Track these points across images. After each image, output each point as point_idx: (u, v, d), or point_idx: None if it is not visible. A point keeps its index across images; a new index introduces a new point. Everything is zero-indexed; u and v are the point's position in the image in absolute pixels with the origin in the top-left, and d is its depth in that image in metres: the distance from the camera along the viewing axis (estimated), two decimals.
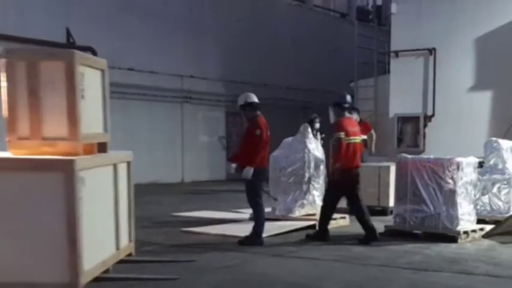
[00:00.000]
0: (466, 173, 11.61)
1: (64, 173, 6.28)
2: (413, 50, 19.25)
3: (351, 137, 10.85)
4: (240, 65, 23.96)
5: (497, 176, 13.38)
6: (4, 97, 6.46)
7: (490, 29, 17.97)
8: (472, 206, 11.80)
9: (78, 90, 6.63)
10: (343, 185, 10.89)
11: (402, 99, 18.99)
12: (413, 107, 18.96)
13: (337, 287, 8.05)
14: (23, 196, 6.32)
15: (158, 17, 21.68)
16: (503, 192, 13.32)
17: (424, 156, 13.27)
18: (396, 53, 19.72)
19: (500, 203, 13.29)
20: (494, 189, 13.25)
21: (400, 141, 19.29)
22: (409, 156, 11.85)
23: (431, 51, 18.97)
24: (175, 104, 22.08)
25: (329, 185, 11.32)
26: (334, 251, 10.06)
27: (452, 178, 11.37)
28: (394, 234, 11.39)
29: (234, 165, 10.72)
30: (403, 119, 19.20)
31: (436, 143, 18.05)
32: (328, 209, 11.15)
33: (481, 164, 13.12)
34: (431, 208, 11.37)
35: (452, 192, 11.35)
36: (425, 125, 19.02)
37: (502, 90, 17.55)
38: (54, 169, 6.32)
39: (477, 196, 12.50)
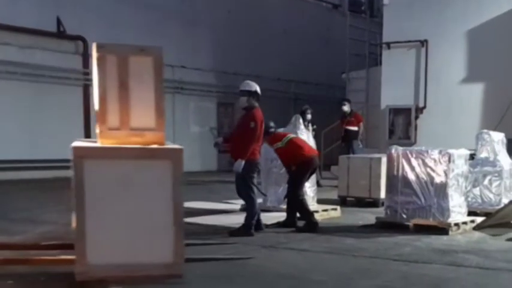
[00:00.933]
0: (457, 165, 11.64)
1: (172, 161, 6.72)
2: (405, 42, 19.27)
3: None
4: (231, 55, 23.95)
5: (488, 168, 13.43)
6: (96, 90, 6.70)
7: (481, 22, 18.00)
8: (463, 198, 11.84)
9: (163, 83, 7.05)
10: (306, 172, 11.26)
11: (394, 91, 19.02)
12: (404, 98, 18.99)
13: (328, 278, 8.06)
14: (136, 182, 6.67)
15: (149, 6, 21.65)
16: (494, 184, 13.37)
17: (416, 148, 13.30)
18: (388, 45, 19.73)
19: (491, 195, 13.34)
20: (486, 182, 13.30)
21: (391, 132, 19.32)
22: (401, 148, 11.87)
23: (423, 43, 19.00)
24: (166, 95, 21.98)
25: (293, 175, 11.36)
26: (324, 242, 10.09)
27: (443, 170, 11.40)
28: (385, 226, 11.42)
29: (220, 139, 10.89)
30: (395, 111, 19.24)
31: (427, 135, 18.10)
32: (301, 197, 11.30)
33: (472, 156, 13.16)
34: (423, 200, 11.41)
35: (444, 184, 11.39)
36: (416, 117, 19.06)
37: (494, 82, 17.59)
38: (164, 157, 6.77)
39: (468, 188, 12.54)
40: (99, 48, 6.71)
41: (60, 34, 19.34)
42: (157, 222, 6.76)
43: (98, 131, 6.84)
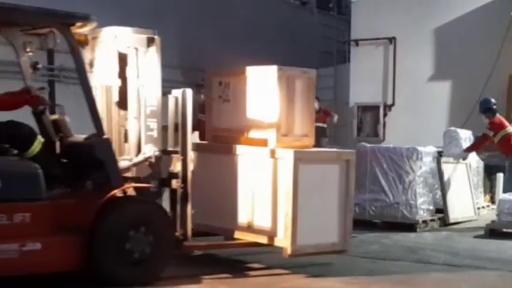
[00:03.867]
0: (425, 162, 11.79)
1: (346, 162, 8.46)
2: (373, 39, 19.35)
3: None
4: (197, 52, 23.90)
5: None
6: (276, 104, 8.24)
7: (449, 19, 18.15)
8: (431, 196, 11.97)
9: None
10: None
11: (362, 89, 19.12)
12: (373, 96, 19.08)
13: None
14: (322, 179, 8.29)
15: (115, 2, 21.53)
16: None
17: (384, 145, 13.41)
18: (356, 42, 19.81)
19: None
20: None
21: (359, 130, 19.42)
22: (369, 145, 11.98)
23: (391, 40, 19.10)
24: None
25: None
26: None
27: (411, 167, 11.52)
28: (354, 224, 11.47)
29: None
30: (363, 108, 19.32)
31: (395, 132, 18.21)
32: None
33: (440, 154, 13.30)
34: (391, 197, 11.55)
35: (411, 182, 11.51)
36: (385, 114, 19.17)
37: (461, 80, 17.76)
38: (344, 159, 8.50)
39: (436, 185, 12.67)
40: (279, 70, 8.30)
41: None
42: (337, 210, 8.42)
43: (272, 136, 8.30)
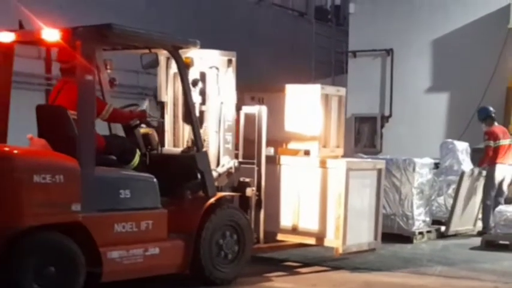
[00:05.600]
0: (422, 173, 11.85)
1: (378, 171, 9.85)
2: (370, 51, 19.43)
3: None
4: None
5: (452, 177, 13.62)
6: (319, 119, 9.57)
7: (447, 31, 18.23)
8: (427, 207, 12.03)
9: None
10: None
11: (359, 100, 19.17)
12: (370, 107, 19.14)
13: (290, 286, 8.20)
14: (362, 186, 9.57)
15: (116, 9, 21.56)
16: None
17: (381, 156, 13.48)
18: (354, 53, 19.88)
19: None
20: (450, 190, 13.49)
21: (357, 141, 19.47)
22: (366, 156, 12.04)
23: (389, 51, 19.18)
24: (132, 101, 21.93)
25: None
26: (284, 252, 10.06)
27: (408, 179, 11.58)
28: None
29: None
30: (361, 119, 19.37)
31: (393, 144, 18.26)
32: None
33: (436, 165, 13.36)
34: (387, 209, 11.59)
35: (408, 193, 11.57)
36: (382, 126, 19.23)
37: (459, 91, 17.82)
38: (377, 168, 9.87)
39: (433, 197, 12.73)
40: (322, 89, 9.65)
41: None
42: (372, 213, 9.72)
43: (315, 147, 9.59)
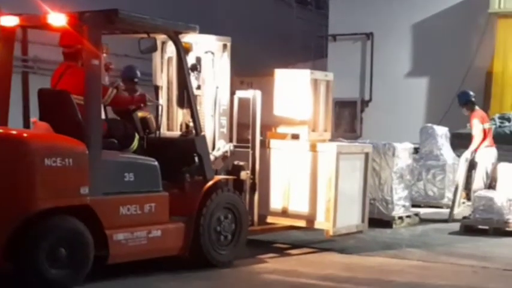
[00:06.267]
0: (402, 158, 11.86)
1: (365, 154, 10.07)
2: (350, 34, 19.44)
3: None
4: None
5: (432, 162, 13.72)
6: (308, 104, 9.78)
7: (427, 15, 18.29)
8: (407, 192, 12.05)
9: None
10: None
11: (339, 84, 19.13)
12: (350, 91, 19.18)
13: (255, 272, 8.23)
14: (351, 169, 9.70)
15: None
16: (438, 178, 13.68)
17: (360, 141, 13.49)
18: (334, 37, 19.90)
19: (435, 189, 13.65)
20: (429, 176, 13.60)
21: (337, 125, 19.48)
22: (346, 141, 12.04)
23: (369, 35, 19.22)
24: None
25: None
26: (271, 234, 10.11)
27: (387, 163, 11.59)
28: None
29: None
30: (341, 104, 19.38)
31: (372, 128, 18.35)
32: None
33: (416, 150, 13.39)
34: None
35: (388, 178, 11.58)
36: (362, 110, 19.29)
37: (438, 76, 17.92)
38: (363, 152, 10.07)
39: (412, 182, 12.77)
40: (311, 73, 9.86)
41: None
42: (359, 196, 9.93)
43: (305, 131, 9.76)
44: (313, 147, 9.59)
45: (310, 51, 22.32)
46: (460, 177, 12.40)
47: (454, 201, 12.47)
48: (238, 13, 25.01)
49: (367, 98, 19.36)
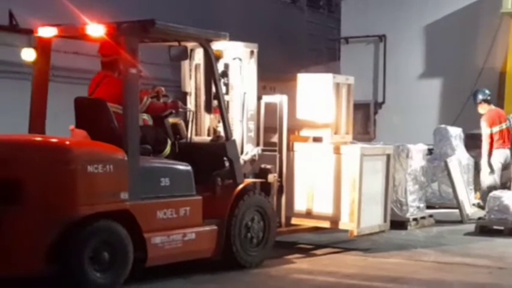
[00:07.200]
0: (416, 160, 11.87)
1: (387, 156, 10.48)
2: (363, 37, 19.44)
3: None
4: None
5: None
6: (331, 107, 10.12)
7: (439, 17, 18.29)
8: (421, 193, 12.06)
9: None
10: None
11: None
12: (363, 94, 19.11)
13: (284, 273, 8.23)
14: (373, 171, 10.07)
15: None
16: None
17: (374, 143, 13.49)
18: (346, 40, 19.91)
19: (449, 190, 13.56)
20: (444, 177, 13.52)
21: None
22: (359, 143, 12.04)
23: (382, 38, 19.21)
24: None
25: None
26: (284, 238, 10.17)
27: (401, 165, 11.60)
28: None
29: None
30: (354, 106, 19.35)
31: (386, 130, 18.34)
32: None
33: (430, 151, 13.39)
34: None
35: (402, 179, 11.59)
36: (375, 112, 19.28)
37: (452, 77, 17.91)
38: (384, 154, 10.46)
39: (426, 183, 12.76)
40: (333, 77, 10.21)
41: (12, 28, 19.16)
42: (381, 196, 10.31)
43: (328, 134, 10.15)
44: (336, 150, 9.95)
45: (323, 54, 22.33)
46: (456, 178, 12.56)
47: (458, 202, 12.50)
48: (249, 17, 25.05)
49: (380, 100, 19.36)
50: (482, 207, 12.54)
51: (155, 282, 7.75)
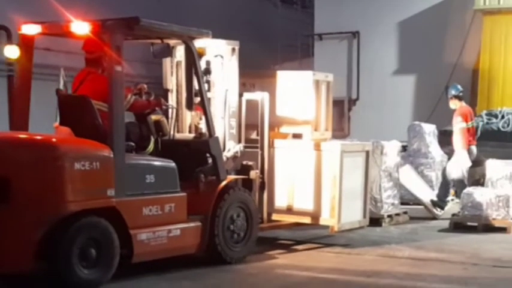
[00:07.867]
0: (390, 156, 11.96)
1: (366, 152, 10.54)
2: (337, 33, 19.52)
3: None
4: None
5: (420, 160, 13.79)
6: (311, 104, 10.24)
7: (412, 13, 18.41)
8: (395, 190, 12.14)
9: None
10: None
11: None
12: (337, 90, 19.16)
13: (261, 270, 8.29)
14: (353, 167, 10.11)
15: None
16: (426, 175, 13.71)
17: (348, 139, 13.58)
18: (320, 36, 19.98)
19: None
20: (418, 173, 13.61)
21: None
22: (334, 139, 12.11)
23: (355, 34, 19.31)
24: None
25: None
26: (274, 231, 10.38)
27: (376, 162, 11.67)
28: None
29: None
30: None
31: (360, 127, 18.46)
32: None
33: (404, 148, 13.49)
34: None
35: (376, 176, 11.67)
36: (349, 109, 19.38)
37: (425, 74, 18.08)
38: (364, 150, 10.54)
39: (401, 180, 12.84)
40: (313, 75, 10.41)
41: None
42: (360, 193, 10.40)
43: (308, 131, 10.28)
44: (317, 146, 10.07)
45: (297, 50, 22.36)
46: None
47: (424, 204, 12.70)
48: (223, 12, 24.99)
49: (354, 96, 19.47)
50: (440, 206, 12.65)
51: (130, 279, 7.74)
